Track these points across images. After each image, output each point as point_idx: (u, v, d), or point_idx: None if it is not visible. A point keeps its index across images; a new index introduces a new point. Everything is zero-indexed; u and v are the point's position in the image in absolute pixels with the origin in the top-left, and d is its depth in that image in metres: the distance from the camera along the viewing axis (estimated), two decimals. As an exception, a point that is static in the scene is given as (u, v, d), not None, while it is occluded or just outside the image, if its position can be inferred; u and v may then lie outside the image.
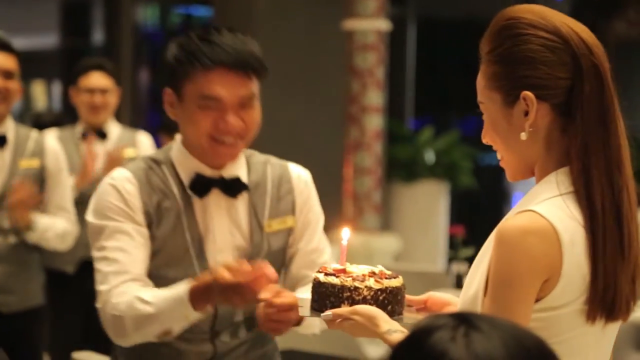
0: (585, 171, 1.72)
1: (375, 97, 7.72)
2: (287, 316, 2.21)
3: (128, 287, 2.24)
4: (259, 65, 2.29)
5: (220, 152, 2.30)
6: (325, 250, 2.47)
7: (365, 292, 1.86)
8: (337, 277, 1.87)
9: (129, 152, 4.65)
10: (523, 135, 1.76)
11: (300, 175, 2.47)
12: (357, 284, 1.86)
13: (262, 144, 10.07)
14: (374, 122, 7.74)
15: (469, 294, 1.75)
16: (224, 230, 2.32)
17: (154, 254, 2.32)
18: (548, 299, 1.69)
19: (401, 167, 8.63)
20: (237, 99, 2.26)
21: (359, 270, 1.89)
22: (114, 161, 4.45)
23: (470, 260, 6.06)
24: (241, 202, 2.36)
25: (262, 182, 2.41)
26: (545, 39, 1.75)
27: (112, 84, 4.64)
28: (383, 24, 7.70)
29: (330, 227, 2.89)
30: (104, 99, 4.61)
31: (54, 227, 3.76)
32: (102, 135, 4.64)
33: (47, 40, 9.79)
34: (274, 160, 2.48)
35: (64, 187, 3.85)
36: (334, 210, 7.66)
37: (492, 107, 1.80)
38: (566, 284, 1.69)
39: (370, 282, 1.87)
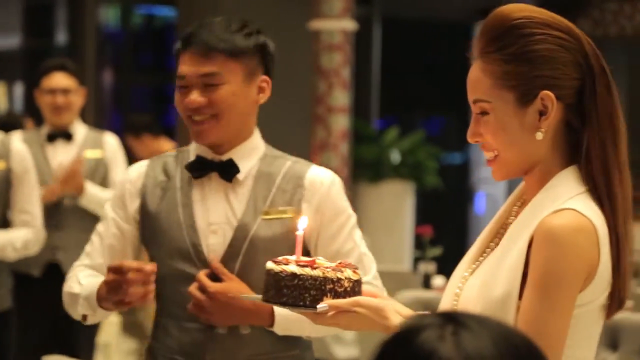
0: (605, 170, 1.74)
1: (341, 97, 7.72)
2: (217, 307, 2.24)
3: (82, 270, 2.42)
4: (226, 46, 2.39)
5: (194, 130, 2.39)
6: (352, 254, 2.40)
7: (346, 284, 1.76)
8: (313, 268, 1.76)
9: (94, 154, 4.60)
10: (539, 135, 1.75)
11: (318, 175, 2.46)
12: (339, 274, 1.76)
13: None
14: (340, 123, 7.74)
15: (494, 295, 1.71)
16: (219, 212, 2.38)
17: (153, 241, 2.40)
18: (581, 296, 1.71)
19: (367, 168, 8.63)
20: (198, 77, 2.38)
21: (323, 261, 1.79)
22: (75, 173, 4.39)
23: (437, 259, 6.07)
24: (244, 189, 2.41)
25: (273, 173, 2.44)
26: (562, 39, 1.75)
27: (74, 84, 4.59)
28: (349, 24, 7.70)
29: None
30: (66, 100, 4.56)
31: (12, 243, 3.74)
32: (67, 136, 4.59)
33: (10, 41, 9.69)
34: (298, 160, 2.51)
35: (30, 189, 3.80)
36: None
37: (501, 107, 1.76)
38: (599, 281, 1.71)
39: (348, 272, 1.77)
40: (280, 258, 1.79)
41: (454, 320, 1.08)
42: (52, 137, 4.56)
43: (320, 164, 9.29)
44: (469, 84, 1.81)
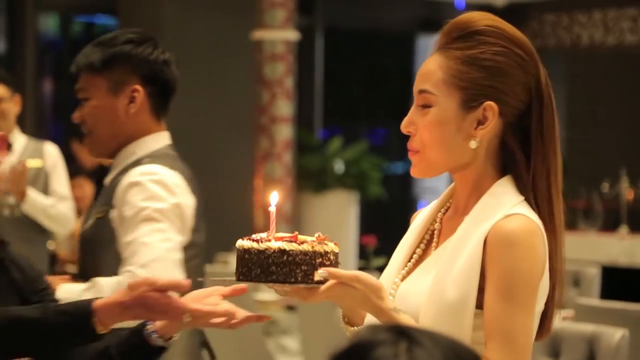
0: (548, 191, 1.78)
1: (284, 107, 7.71)
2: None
3: None
4: (86, 62, 2.52)
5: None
6: (130, 247, 2.40)
7: (332, 257, 1.70)
8: (299, 243, 1.69)
9: (35, 163, 4.53)
10: (473, 144, 1.77)
11: (135, 170, 2.50)
12: (325, 248, 1.70)
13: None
14: (284, 133, 7.74)
15: (447, 299, 1.71)
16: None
17: None
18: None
19: (311, 177, 8.63)
20: (75, 95, 2.56)
21: (303, 237, 1.73)
22: (19, 175, 4.32)
23: (381, 269, 6.08)
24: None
25: (120, 176, 2.51)
26: (522, 59, 1.77)
27: (7, 92, 4.51)
28: (291, 35, 7.71)
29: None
30: None
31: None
32: (8, 145, 4.51)
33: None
34: (154, 161, 2.55)
35: None
36: (244, 221, 7.61)
37: (445, 103, 1.77)
38: (544, 283, 1.75)
39: (331, 245, 1.72)
40: (253, 236, 1.72)
41: (407, 336, 1.08)
42: None
43: (264, 174, 9.16)
44: (420, 74, 1.81)
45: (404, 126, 1.81)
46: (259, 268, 1.70)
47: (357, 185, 8.79)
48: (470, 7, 9.99)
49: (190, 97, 8.11)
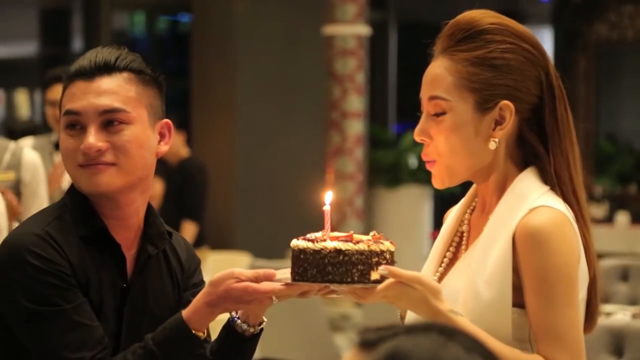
0: (569, 173, 1.76)
1: (356, 103, 7.69)
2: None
3: None
4: None
5: None
6: None
7: (388, 256, 1.67)
8: (355, 242, 1.66)
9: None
10: (492, 145, 1.74)
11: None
12: (381, 247, 1.67)
13: (244, 150, 10.09)
14: (355, 128, 7.72)
15: (484, 300, 1.69)
16: None
17: None
18: None
19: (384, 173, 8.60)
20: None
21: (359, 236, 1.70)
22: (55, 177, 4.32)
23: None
24: None
25: None
26: (530, 53, 1.75)
27: None
28: (363, 29, 7.68)
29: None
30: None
31: None
32: None
33: (28, 48, 9.74)
34: None
35: (41, 201, 3.78)
36: (316, 217, 7.61)
37: (460, 107, 1.74)
38: (582, 270, 1.72)
39: (387, 244, 1.68)
40: (308, 236, 1.71)
41: (447, 333, 1.06)
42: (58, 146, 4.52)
43: (335, 169, 9.16)
44: (428, 80, 1.77)
45: (418, 135, 1.78)
46: (315, 268, 1.68)
47: (431, 180, 8.71)
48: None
49: (262, 93, 8.15)
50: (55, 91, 4.49)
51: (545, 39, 11.63)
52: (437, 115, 1.75)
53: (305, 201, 9.19)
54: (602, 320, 3.50)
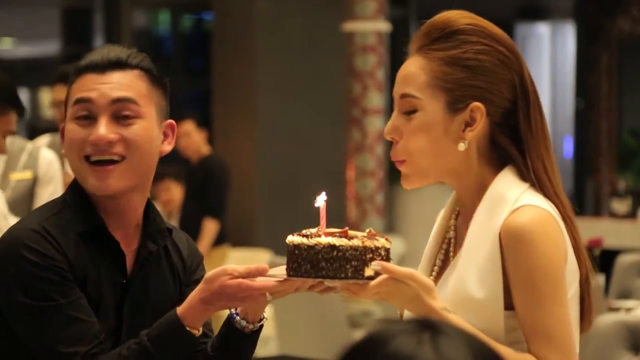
0: (545, 170, 1.74)
1: (376, 99, 7.69)
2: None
3: None
4: None
5: None
6: None
7: (383, 252, 1.68)
8: (349, 238, 1.67)
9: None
10: (461, 146, 1.73)
11: None
12: (376, 243, 1.67)
13: (265, 147, 10.10)
14: (376, 124, 7.71)
15: (476, 300, 1.68)
16: None
17: None
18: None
19: (405, 169, 8.58)
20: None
21: (354, 232, 1.71)
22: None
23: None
24: None
25: None
26: (505, 56, 1.74)
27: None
28: (383, 26, 7.67)
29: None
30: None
31: None
32: None
33: (51, 47, 9.80)
34: None
35: (52, 195, 3.80)
36: (336, 214, 7.62)
37: (430, 106, 1.73)
38: (570, 266, 1.71)
39: (382, 241, 1.69)
40: (303, 231, 1.71)
41: (431, 326, 1.06)
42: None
43: (356, 166, 9.17)
44: (401, 78, 1.76)
45: (388, 132, 1.76)
46: (308, 264, 1.68)
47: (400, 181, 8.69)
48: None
49: (282, 90, 8.16)
50: (60, 91, 4.46)
51: (568, 34, 11.58)
52: (408, 113, 1.74)
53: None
54: (620, 316, 3.49)
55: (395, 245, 7.95)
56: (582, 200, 11.25)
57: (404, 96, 1.75)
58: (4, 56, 10.11)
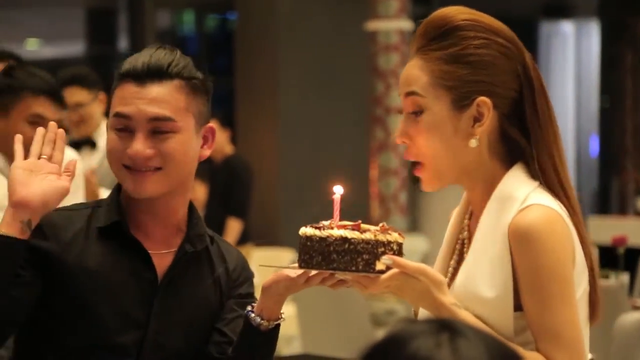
0: (554, 168, 1.73)
1: (399, 98, 7.68)
2: None
3: None
4: None
5: None
6: None
7: (395, 247, 1.67)
8: (362, 231, 1.66)
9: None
10: (473, 142, 1.72)
11: None
12: (388, 237, 1.67)
13: (288, 147, 10.11)
14: (399, 123, 7.71)
15: (485, 299, 1.68)
16: None
17: None
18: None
19: (428, 168, 8.56)
20: None
21: (367, 225, 1.70)
22: (86, 182, 4.26)
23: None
24: None
25: None
26: (505, 47, 1.73)
27: (87, 96, 4.39)
28: (406, 24, 7.66)
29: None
30: (79, 114, 4.43)
31: None
32: (92, 144, 4.49)
33: (75, 48, 9.86)
34: None
35: (75, 196, 3.80)
36: (360, 212, 7.62)
37: (436, 106, 1.73)
38: (579, 266, 1.70)
39: (395, 235, 1.68)
40: (316, 224, 1.71)
41: (449, 327, 1.07)
42: (76, 145, 4.44)
43: (379, 165, 9.15)
44: (404, 79, 1.76)
45: (398, 136, 1.76)
46: (320, 256, 1.68)
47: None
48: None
49: (305, 90, 8.17)
50: (66, 95, 4.13)
51: (592, 32, 11.52)
52: (416, 114, 1.74)
53: (348, 197, 9.18)
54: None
55: (419, 243, 7.93)
56: (607, 198, 11.20)
57: (408, 94, 1.75)
58: (30, 57, 10.20)
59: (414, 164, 1.78)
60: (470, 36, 1.72)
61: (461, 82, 1.71)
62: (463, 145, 1.72)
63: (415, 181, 7.30)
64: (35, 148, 1.89)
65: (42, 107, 3.05)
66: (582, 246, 1.72)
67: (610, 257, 4.47)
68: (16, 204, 1.82)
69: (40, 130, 1.92)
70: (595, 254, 1.77)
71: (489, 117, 1.72)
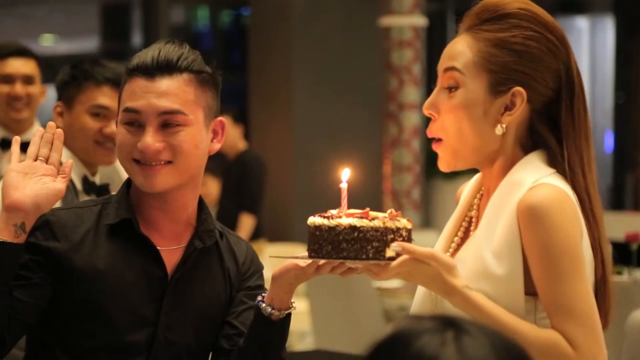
0: (583, 175, 1.74)
1: (412, 94, 7.67)
2: None
3: None
4: None
5: None
6: None
7: (404, 233, 1.67)
8: (370, 219, 1.66)
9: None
10: (499, 130, 1.73)
11: None
12: (397, 224, 1.67)
13: (301, 142, 10.12)
14: (412, 119, 7.70)
15: (495, 275, 1.67)
16: None
17: None
18: None
19: (442, 164, 8.54)
20: None
21: (375, 213, 1.70)
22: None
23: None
24: None
25: None
26: (554, 45, 1.74)
27: (38, 73, 4.06)
28: (419, 20, 7.65)
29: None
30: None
31: None
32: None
33: (90, 44, 9.89)
34: None
35: None
36: (373, 209, 7.61)
37: (473, 85, 1.73)
38: (586, 249, 1.70)
39: (404, 221, 1.69)
40: (324, 213, 1.71)
41: (454, 325, 1.07)
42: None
43: (392, 161, 9.15)
44: (448, 53, 1.76)
45: (427, 108, 1.76)
46: (329, 245, 1.68)
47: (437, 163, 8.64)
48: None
49: (319, 85, 8.17)
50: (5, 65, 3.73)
51: (607, 28, 11.46)
52: (450, 89, 1.74)
53: (362, 193, 9.21)
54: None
55: (432, 239, 7.92)
56: (621, 194, 11.15)
57: (448, 69, 1.74)
58: (45, 53, 10.23)
59: (434, 140, 1.77)
60: (523, 26, 1.72)
61: (503, 68, 1.72)
62: (488, 130, 1.73)
63: (430, 176, 7.21)
64: (31, 149, 1.88)
65: (106, 97, 2.77)
66: (593, 249, 1.72)
67: (624, 254, 4.46)
68: (8, 208, 1.82)
69: (39, 130, 1.90)
70: (609, 250, 1.76)
71: (520, 109, 1.72)
